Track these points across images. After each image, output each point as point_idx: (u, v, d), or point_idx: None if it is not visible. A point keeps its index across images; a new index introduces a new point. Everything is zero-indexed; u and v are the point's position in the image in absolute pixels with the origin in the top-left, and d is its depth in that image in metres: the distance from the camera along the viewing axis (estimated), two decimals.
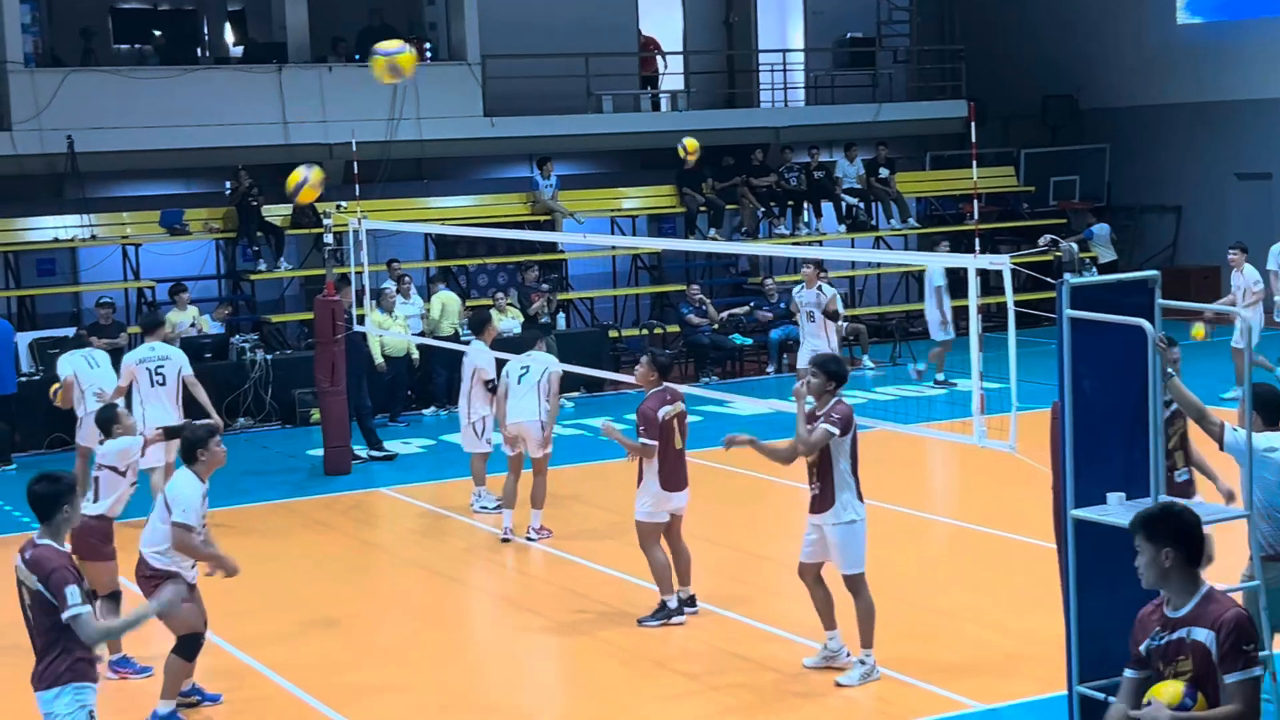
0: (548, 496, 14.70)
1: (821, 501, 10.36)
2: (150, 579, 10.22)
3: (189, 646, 10.28)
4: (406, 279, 22.43)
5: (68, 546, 7.80)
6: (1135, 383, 8.59)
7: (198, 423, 10.90)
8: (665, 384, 12.03)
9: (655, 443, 11.72)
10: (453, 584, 13.90)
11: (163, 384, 15.46)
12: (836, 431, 10.27)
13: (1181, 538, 6.26)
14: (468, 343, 16.55)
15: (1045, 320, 10.32)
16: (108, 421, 11.43)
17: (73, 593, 7.38)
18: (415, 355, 21.38)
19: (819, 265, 20.20)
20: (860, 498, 10.45)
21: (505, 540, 14.65)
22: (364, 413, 18.82)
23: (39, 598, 7.50)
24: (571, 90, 27.54)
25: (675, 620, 11.86)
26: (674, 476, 11.83)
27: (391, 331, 20.26)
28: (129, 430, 11.47)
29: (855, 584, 10.44)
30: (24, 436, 20.05)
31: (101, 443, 11.36)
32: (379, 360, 20.25)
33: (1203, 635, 6.14)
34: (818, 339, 19.64)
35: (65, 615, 7.36)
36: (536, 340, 15.31)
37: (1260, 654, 6.28)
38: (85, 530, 10.68)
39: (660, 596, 11.95)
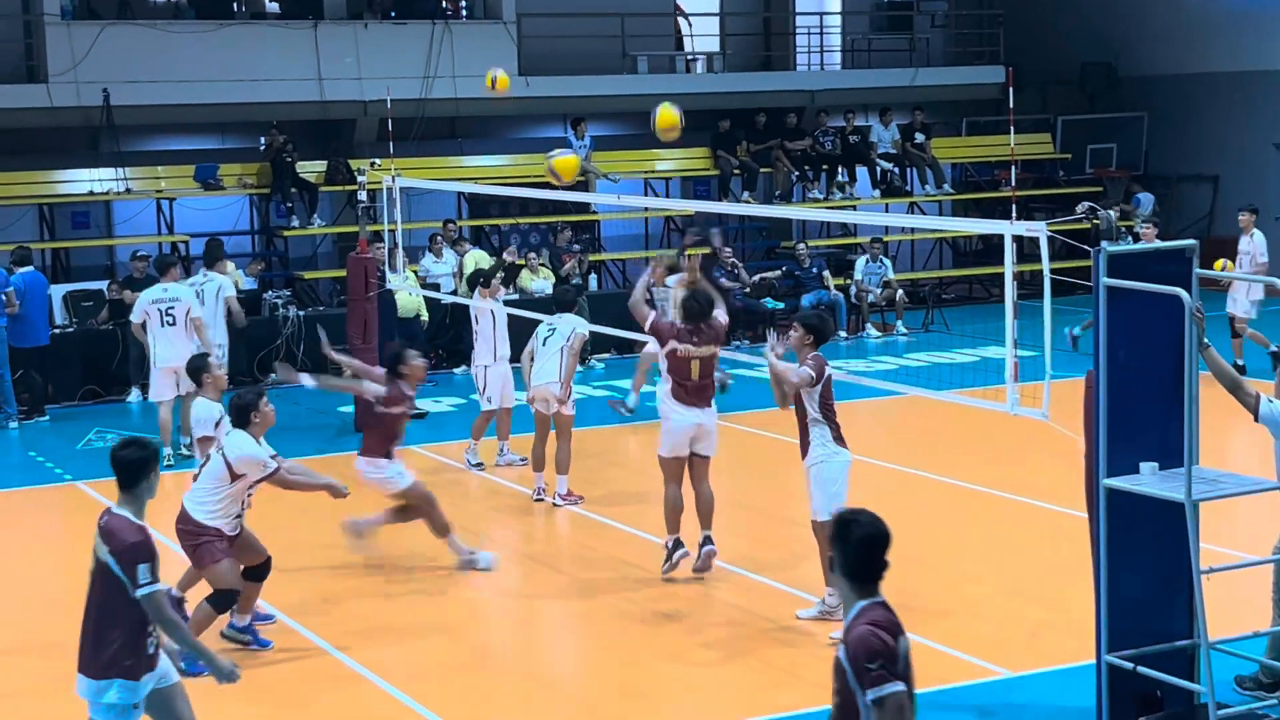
0: (574, 457, 14.70)
1: (802, 449, 10.83)
2: (191, 534, 10.38)
3: (223, 600, 10.41)
4: (439, 239, 22.44)
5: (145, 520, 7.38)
6: (1171, 352, 8.55)
7: (246, 389, 10.93)
8: (700, 327, 12.00)
9: (653, 351, 12.17)
10: (478, 541, 13.91)
11: (173, 324, 16.29)
12: (812, 374, 10.60)
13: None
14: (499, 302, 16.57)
15: (1081, 289, 10.26)
16: (198, 371, 11.77)
17: (144, 570, 7.10)
18: (424, 317, 21.35)
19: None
20: (838, 441, 10.77)
21: (538, 500, 14.66)
22: None
23: (104, 570, 7.21)
24: (607, 50, 27.45)
25: (678, 555, 11.99)
26: (683, 397, 11.95)
27: (405, 286, 20.17)
28: (218, 382, 11.65)
29: (821, 532, 10.53)
30: (57, 389, 20.14)
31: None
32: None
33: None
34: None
35: (137, 593, 7.10)
36: (574, 302, 15.24)
37: None
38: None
39: (664, 537, 12.09)
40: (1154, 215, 20.82)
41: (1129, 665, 8.60)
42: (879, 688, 5.50)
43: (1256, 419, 8.79)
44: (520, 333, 15.76)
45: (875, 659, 5.53)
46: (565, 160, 13.99)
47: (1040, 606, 11.42)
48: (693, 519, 12.06)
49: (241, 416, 10.52)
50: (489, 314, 15.76)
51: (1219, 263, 14.87)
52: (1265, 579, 9.34)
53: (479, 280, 16.11)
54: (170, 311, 16.29)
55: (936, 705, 9.51)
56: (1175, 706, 8.75)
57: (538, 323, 15.23)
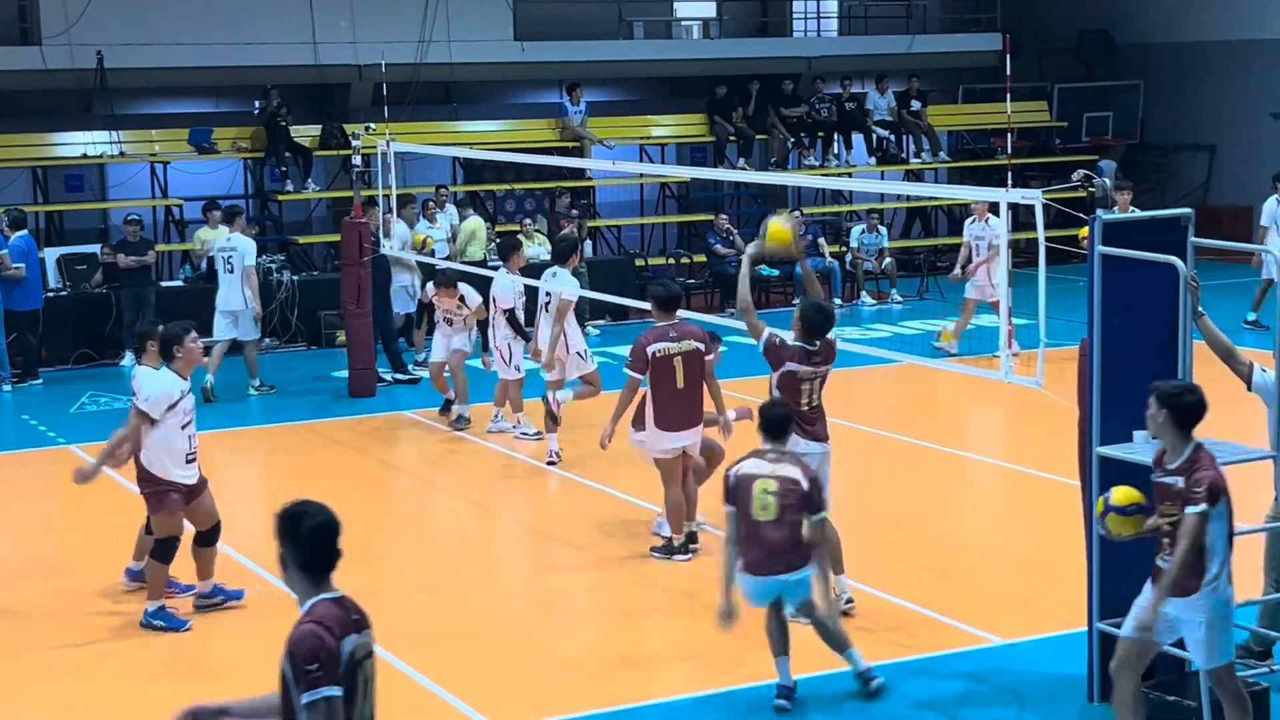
0: (568, 427, 14.67)
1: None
2: (146, 482, 10.51)
3: (165, 550, 10.49)
4: (431, 204, 22.39)
5: None
6: (1165, 321, 8.55)
7: (171, 323, 10.87)
8: (675, 320, 11.67)
9: (637, 375, 11.53)
10: (473, 507, 13.94)
11: (231, 271, 17.68)
12: (762, 333, 10.20)
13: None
14: (496, 269, 16.51)
15: (1075, 257, 10.25)
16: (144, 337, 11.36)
17: None
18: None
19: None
20: (807, 436, 10.20)
21: (551, 464, 14.63)
22: (389, 335, 18.85)
23: None
24: (603, 16, 27.37)
25: (678, 558, 11.80)
26: (671, 416, 11.49)
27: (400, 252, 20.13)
28: (190, 356, 10.98)
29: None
30: (50, 352, 20.11)
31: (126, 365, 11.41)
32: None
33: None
34: None
35: None
36: (569, 253, 15.04)
37: None
38: None
39: (670, 535, 11.86)
40: (1120, 181, 20.68)
41: (1121, 632, 8.61)
42: (314, 691, 5.36)
43: (1249, 388, 8.79)
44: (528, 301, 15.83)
45: (314, 660, 5.40)
46: (778, 229, 12.54)
47: (1032, 574, 11.44)
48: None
49: (166, 349, 10.47)
50: (511, 292, 15.68)
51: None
52: (1256, 548, 9.35)
53: (509, 253, 15.96)
54: (229, 259, 17.63)
55: (928, 672, 9.55)
56: (1166, 674, 8.77)
57: (531, 288, 15.21)
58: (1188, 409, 7.63)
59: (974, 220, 19.87)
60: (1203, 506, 7.48)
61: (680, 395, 11.50)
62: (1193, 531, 7.47)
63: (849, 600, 10.40)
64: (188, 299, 20.78)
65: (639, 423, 11.85)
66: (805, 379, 10.01)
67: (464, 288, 16.15)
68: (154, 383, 10.46)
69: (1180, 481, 7.57)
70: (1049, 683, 9.32)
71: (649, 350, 11.49)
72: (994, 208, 17.59)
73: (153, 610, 10.54)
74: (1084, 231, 13.75)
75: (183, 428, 10.47)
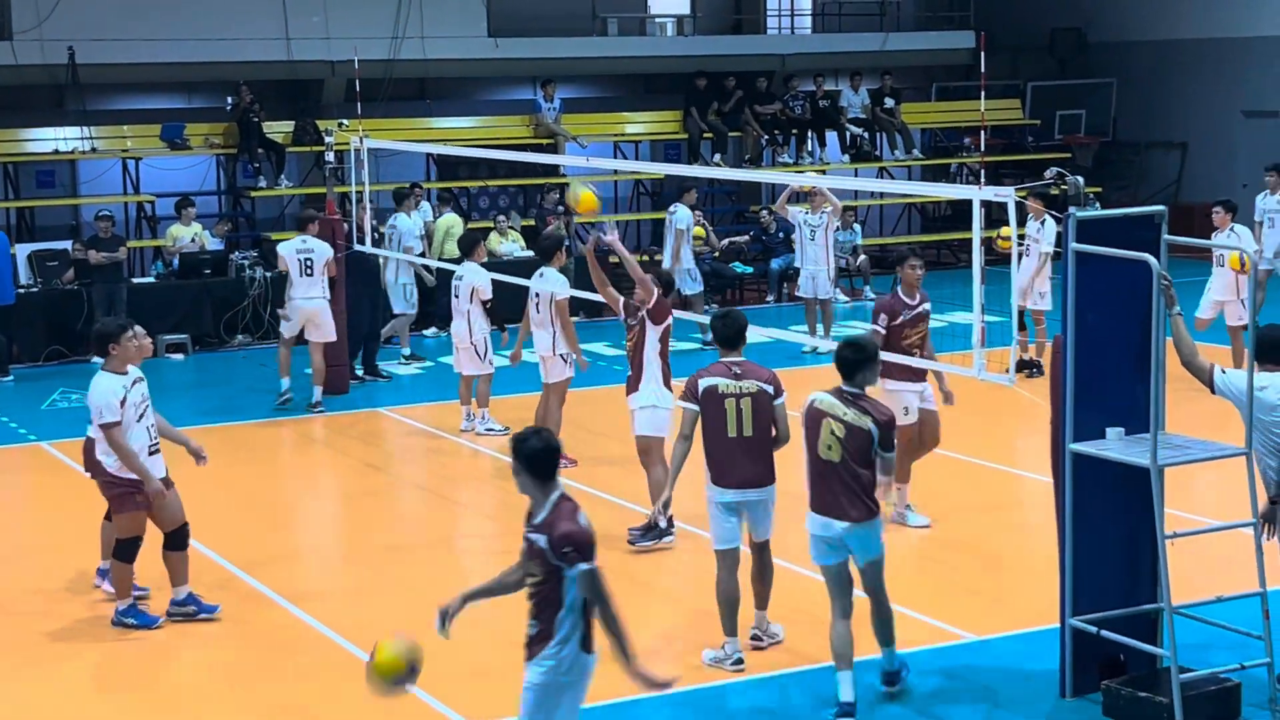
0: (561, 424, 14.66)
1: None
2: (111, 485, 10.35)
3: (127, 550, 10.39)
4: (407, 201, 22.31)
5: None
6: (1138, 318, 8.58)
7: (108, 319, 10.78)
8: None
9: (655, 293, 11.82)
10: (447, 504, 13.92)
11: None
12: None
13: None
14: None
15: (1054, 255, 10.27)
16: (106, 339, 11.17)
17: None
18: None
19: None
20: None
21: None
22: (372, 335, 18.78)
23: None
24: (576, 12, 27.35)
25: (666, 540, 11.83)
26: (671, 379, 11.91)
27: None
28: (142, 349, 10.85)
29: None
30: (22, 348, 20.02)
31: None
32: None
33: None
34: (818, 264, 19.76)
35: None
36: (554, 250, 14.77)
37: None
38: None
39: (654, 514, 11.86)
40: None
41: (1093, 629, 8.65)
42: (574, 567, 6.84)
43: (1212, 391, 8.82)
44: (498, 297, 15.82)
45: (569, 544, 6.90)
46: (588, 199, 13.20)
47: (1005, 570, 11.47)
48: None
49: (101, 347, 10.33)
50: (488, 281, 15.70)
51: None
52: (1229, 544, 9.39)
53: (471, 247, 15.98)
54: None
55: (901, 668, 9.54)
56: (1138, 670, 8.81)
57: (512, 285, 15.24)
58: None
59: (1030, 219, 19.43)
60: None
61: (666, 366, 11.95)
62: None
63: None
64: (159, 295, 20.75)
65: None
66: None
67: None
68: (96, 390, 10.25)
69: None
70: (1022, 679, 9.33)
71: (668, 320, 11.94)
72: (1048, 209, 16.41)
73: (123, 609, 10.47)
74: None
75: (138, 420, 10.28)
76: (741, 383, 9.44)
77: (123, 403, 10.20)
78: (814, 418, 8.79)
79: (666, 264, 19.47)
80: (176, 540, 10.57)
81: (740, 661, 9.53)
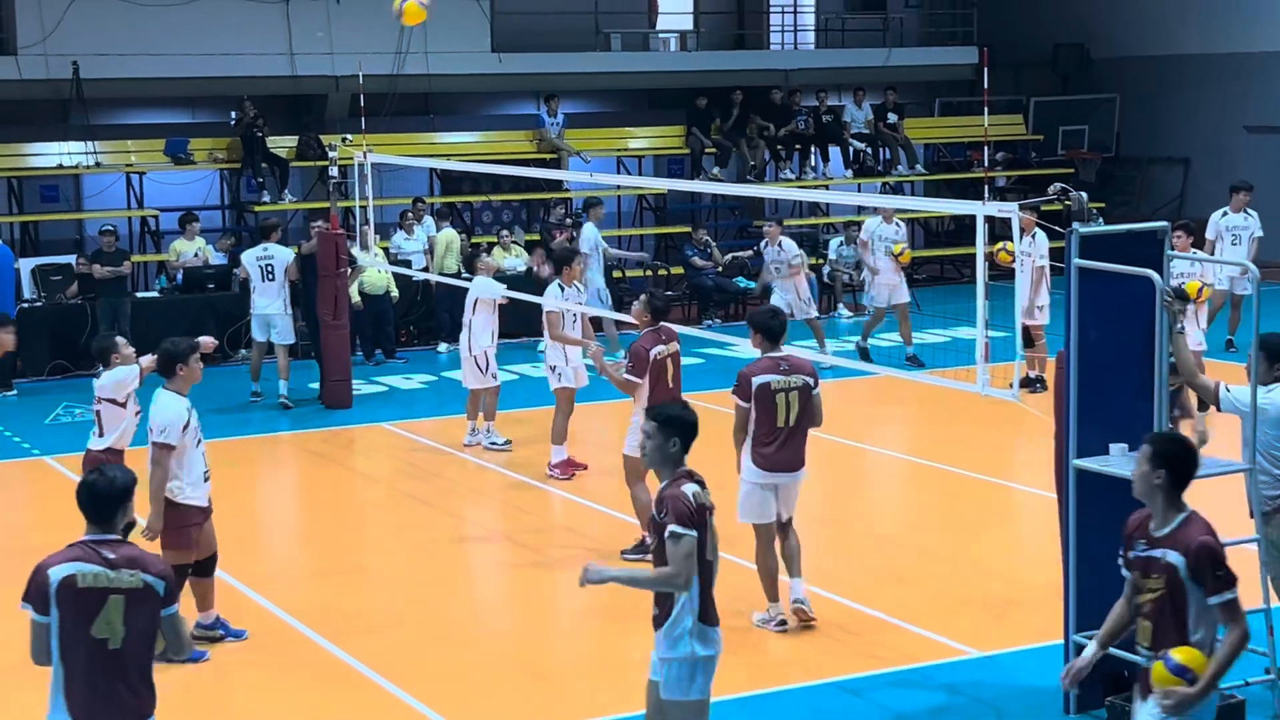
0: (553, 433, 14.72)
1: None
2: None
3: (202, 568, 10.33)
4: (408, 215, 22.36)
5: None
6: (1141, 334, 8.58)
7: (179, 338, 10.70)
8: (661, 324, 11.90)
9: (641, 380, 11.64)
10: (449, 518, 13.90)
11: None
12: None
13: (1174, 464, 6.61)
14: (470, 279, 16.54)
15: (1053, 269, 10.28)
16: (105, 351, 11.15)
17: None
18: (395, 293, 21.16)
19: (779, 223, 20.14)
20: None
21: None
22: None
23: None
24: (580, 27, 27.37)
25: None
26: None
27: (374, 263, 20.07)
28: (126, 360, 11.14)
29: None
30: (26, 363, 20.03)
31: (98, 374, 11.24)
32: (355, 299, 20.00)
33: (1175, 558, 6.55)
34: (786, 293, 19.43)
35: None
36: (561, 265, 14.79)
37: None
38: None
39: (641, 533, 11.93)
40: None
41: None
42: (671, 530, 6.91)
43: (1219, 409, 8.81)
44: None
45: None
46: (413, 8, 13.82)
47: (1009, 586, 11.45)
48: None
49: (168, 367, 10.16)
50: (495, 289, 15.80)
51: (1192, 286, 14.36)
52: (1232, 561, 9.33)
53: (471, 262, 16.07)
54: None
55: (904, 684, 9.55)
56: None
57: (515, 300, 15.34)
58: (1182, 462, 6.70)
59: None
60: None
61: (670, 396, 11.44)
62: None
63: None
64: (162, 310, 20.76)
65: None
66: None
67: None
68: (164, 409, 10.09)
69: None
70: (1025, 695, 9.33)
71: (651, 353, 11.72)
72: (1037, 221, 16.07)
73: (209, 622, 10.43)
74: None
75: (196, 446, 10.16)
76: (790, 378, 10.29)
77: (185, 427, 10.05)
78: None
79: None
80: (206, 567, 10.49)
81: (784, 623, 10.33)
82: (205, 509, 10.31)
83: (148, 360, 11.05)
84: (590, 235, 20.58)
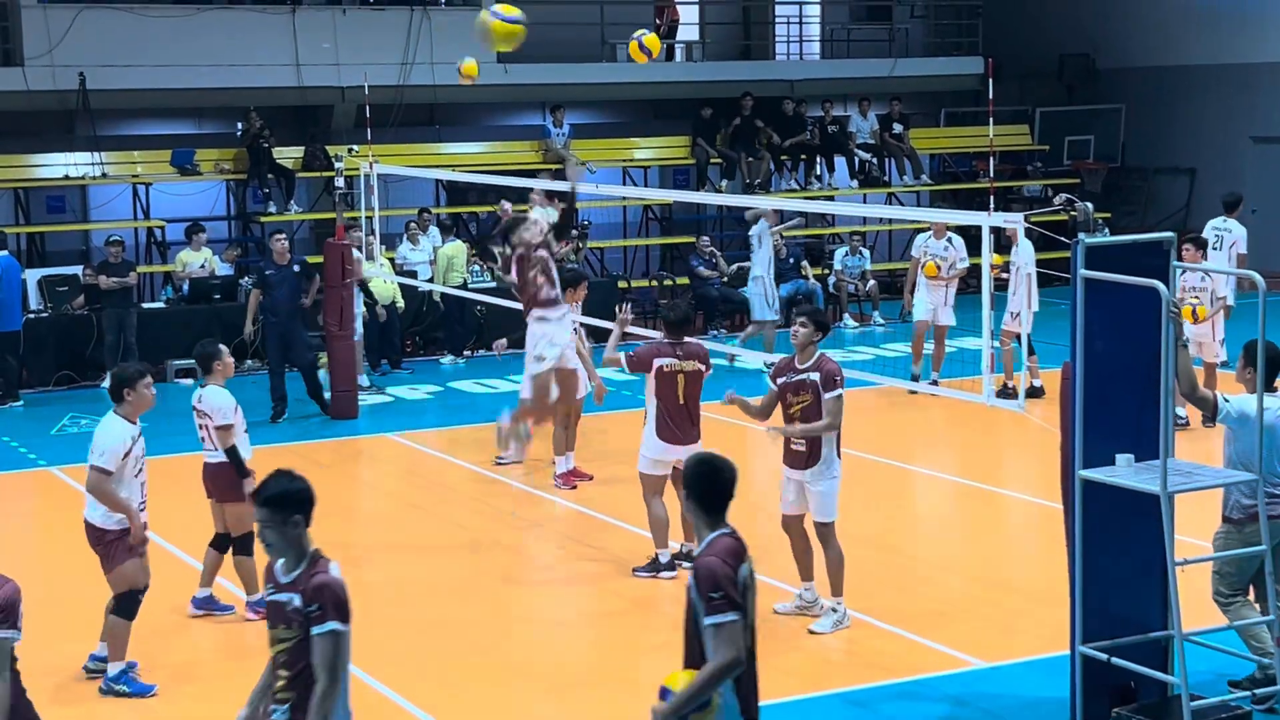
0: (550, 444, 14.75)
1: (808, 458, 10.68)
2: (100, 538, 9.87)
3: (128, 605, 9.91)
4: (412, 225, 22.37)
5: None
6: (1147, 345, 8.56)
7: (127, 363, 10.62)
8: (683, 339, 11.84)
9: (628, 369, 11.86)
10: (455, 529, 13.90)
11: None
12: (841, 392, 10.68)
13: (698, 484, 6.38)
14: (478, 290, 16.53)
15: (1058, 280, 10.28)
16: (208, 358, 11.00)
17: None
18: (400, 303, 21.12)
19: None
20: (839, 453, 10.87)
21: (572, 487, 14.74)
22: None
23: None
24: (586, 38, 27.39)
25: (664, 575, 11.81)
26: (673, 430, 11.67)
27: (380, 274, 20.07)
28: (227, 369, 10.96)
29: (828, 533, 10.77)
30: (31, 373, 20.05)
31: (200, 383, 11.09)
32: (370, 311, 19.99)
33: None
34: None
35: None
36: (568, 287, 14.57)
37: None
38: (217, 473, 10.93)
39: (655, 550, 11.94)
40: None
41: (1103, 656, 8.62)
42: (715, 615, 6.03)
43: (1216, 420, 8.83)
44: (500, 323, 15.83)
45: (717, 589, 6.03)
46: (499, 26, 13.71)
47: (1015, 597, 11.44)
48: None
49: (116, 391, 9.92)
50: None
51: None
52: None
53: (571, 285, 15.74)
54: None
55: (910, 695, 9.54)
56: (1149, 698, 8.78)
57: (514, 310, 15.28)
58: None
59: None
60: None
61: (679, 411, 11.73)
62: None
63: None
64: (169, 321, 20.78)
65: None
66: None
67: None
68: (106, 433, 9.79)
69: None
70: (1031, 706, 9.31)
71: (655, 362, 11.72)
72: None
73: (115, 674, 9.91)
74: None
75: (135, 475, 9.87)
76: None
77: (126, 454, 9.76)
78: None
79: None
80: (245, 544, 10.73)
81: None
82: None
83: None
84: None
